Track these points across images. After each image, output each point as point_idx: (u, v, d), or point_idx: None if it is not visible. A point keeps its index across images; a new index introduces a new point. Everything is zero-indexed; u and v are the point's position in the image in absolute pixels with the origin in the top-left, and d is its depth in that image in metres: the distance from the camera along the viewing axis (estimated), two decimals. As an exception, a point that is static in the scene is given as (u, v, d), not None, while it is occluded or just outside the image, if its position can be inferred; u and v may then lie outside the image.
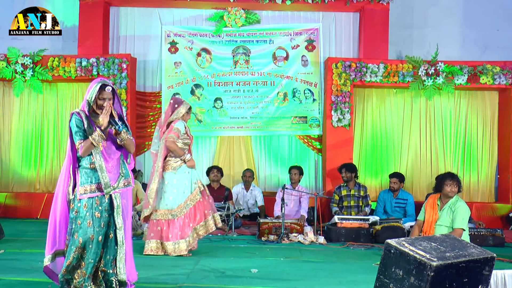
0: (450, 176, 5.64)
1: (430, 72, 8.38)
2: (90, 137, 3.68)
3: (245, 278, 4.70)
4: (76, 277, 3.76)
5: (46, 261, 3.82)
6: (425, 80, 8.39)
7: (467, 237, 5.54)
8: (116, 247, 3.84)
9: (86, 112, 3.76)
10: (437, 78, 8.37)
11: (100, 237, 3.76)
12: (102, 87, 3.76)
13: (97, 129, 3.71)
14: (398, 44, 9.17)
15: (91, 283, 3.77)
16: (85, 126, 3.71)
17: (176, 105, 5.84)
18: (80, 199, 3.74)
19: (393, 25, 8.95)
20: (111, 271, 3.84)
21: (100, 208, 3.77)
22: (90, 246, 3.72)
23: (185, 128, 5.77)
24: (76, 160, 3.83)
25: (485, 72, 8.36)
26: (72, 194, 3.80)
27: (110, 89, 3.78)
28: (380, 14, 8.84)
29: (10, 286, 4.21)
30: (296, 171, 7.95)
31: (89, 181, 3.77)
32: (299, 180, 8.01)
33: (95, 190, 3.77)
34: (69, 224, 3.79)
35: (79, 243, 3.71)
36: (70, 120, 3.77)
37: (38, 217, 8.54)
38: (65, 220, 3.82)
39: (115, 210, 3.81)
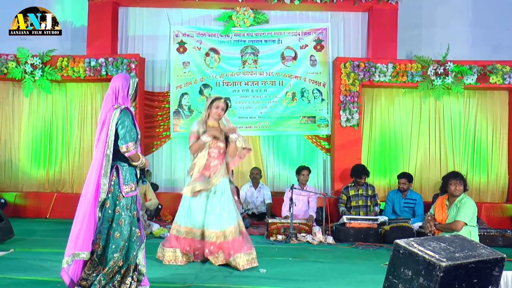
0: (453, 176, 5.67)
1: (439, 72, 8.33)
2: (140, 159, 3.83)
3: (253, 278, 4.70)
4: (110, 276, 3.74)
5: (64, 263, 3.66)
6: (434, 80, 8.35)
7: (476, 237, 5.51)
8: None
9: (131, 111, 3.85)
10: (446, 78, 8.32)
11: (135, 236, 3.83)
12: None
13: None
14: (407, 43, 9.13)
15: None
16: (135, 123, 3.83)
17: None
18: (123, 198, 3.75)
19: (402, 24, 8.92)
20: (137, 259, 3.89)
21: (133, 206, 3.84)
22: (126, 244, 3.77)
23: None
24: (115, 157, 3.79)
25: (495, 72, 8.30)
26: (108, 193, 3.72)
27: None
28: (388, 14, 8.81)
29: (19, 285, 4.23)
30: (306, 172, 7.85)
31: (131, 179, 3.84)
32: (307, 180, 7.97)
33: (135, 188, 3.86)
34: (101, 223, 3.72)
35: (123, 243, 3.73)
36: (123, 115, 3.72)
37: (47, 216, 8.61)
38: (93, 220, 3.68)
39: (140, 206, 3.92)
